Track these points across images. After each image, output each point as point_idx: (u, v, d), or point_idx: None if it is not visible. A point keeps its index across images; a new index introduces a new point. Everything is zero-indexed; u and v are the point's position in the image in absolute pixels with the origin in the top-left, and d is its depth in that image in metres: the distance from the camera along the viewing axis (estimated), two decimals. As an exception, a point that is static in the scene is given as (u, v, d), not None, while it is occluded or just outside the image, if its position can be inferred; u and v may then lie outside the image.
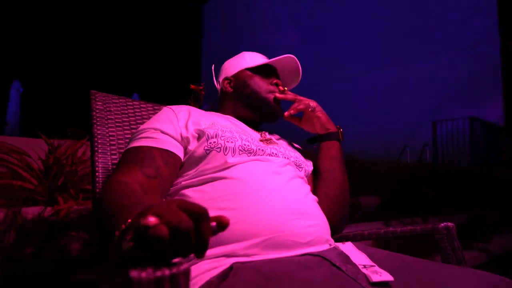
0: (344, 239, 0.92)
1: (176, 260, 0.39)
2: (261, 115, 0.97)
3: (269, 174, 0.77)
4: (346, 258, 0.66)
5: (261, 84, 0.96)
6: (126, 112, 1.12)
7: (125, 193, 0.61)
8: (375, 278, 0.58)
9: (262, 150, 0.82)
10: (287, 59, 0.98)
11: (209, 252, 0.65)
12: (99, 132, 1.00)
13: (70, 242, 1.73)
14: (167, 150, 0.77)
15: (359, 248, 0.73)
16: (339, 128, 0.99)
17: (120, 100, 1.12)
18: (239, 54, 1.05)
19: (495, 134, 8.05)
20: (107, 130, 1.03)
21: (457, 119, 7.72)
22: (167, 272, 0.36)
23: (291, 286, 0.54)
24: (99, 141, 0.98)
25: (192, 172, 0.77)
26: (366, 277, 0.59)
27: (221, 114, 0.96)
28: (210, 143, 0.78)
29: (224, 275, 0.59)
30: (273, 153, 0.84)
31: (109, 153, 0.99)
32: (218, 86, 1.06)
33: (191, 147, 0.79)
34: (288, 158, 0.86)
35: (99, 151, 0.97)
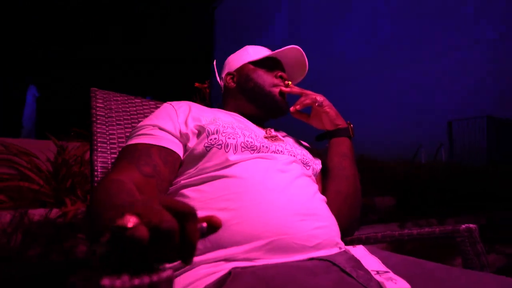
0: (356, 242, 0.86)
1: (161, 266, 0.35)
2: (266, 110, 0.92)
3: (273, 172, 0.71)
4: (357, 263, 0.60)
5: (265, 78, 0.92)
6: (128, 110, 1.08)
7: (118, 192, 0.57)
8: (390, 286, 0.52)
9: (267, 147, 0.77)
10: (292, 51, 0.93)
11: (208, 256, 0.60)
12: (98, 130, 0.97)
13: (77, 244, 1.71)
14: (165, 148, 0.73)
15: (371, 252, 0.67)
16: (349, 124, 0.93)
17: (121, 98, 1.09)
18: (242, 48, 1.01)
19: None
20: (107, 128, 0.99)
21: (474, 118, 7.49)
22: (146, 279, 0.32)
23: None
24: (98, 140, 0.95)
25: (191, 170, 0.72)
26: (379, 285, 0.53)
27: (225, 111, 0.91)
28: (211, 139, 0.73)
29: (222, 282, 0.54)
30: (278, 150, 0.79)
31: (109, 152, 0.96)
32: (221, 83, 1.02)
33: (190, 144, 0.75)
34: (294, 156, 0.81)
35: (98, 149, 0.94)
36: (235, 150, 0.72)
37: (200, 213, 0.38)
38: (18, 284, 1.44)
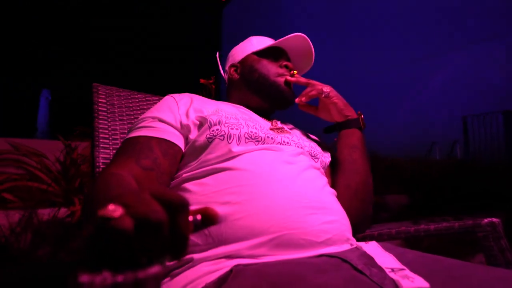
0: (368, 238, 0.81)
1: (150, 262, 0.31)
2: (271, 101, 0.88)
3: (279, 163, 0.67)
4: (370, 260, 0.56)
5: (269, 68, 0.88)
6: (131, 105, 1.06)
7: (115, 184, 0.54)
8: (406, 284, 0.48)
9: (272, 138, 0.73)
10: (298, 40, 0.89)
11: (210, 253, 0.57)
12: (100, 126, 0.95)
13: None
14: (165, 140, 0.70)
15: (385, 248, 0.62)
16: (360, 114, 0.89)
17: (124, 93, 1.06)
18: (246, 40, 0.97)
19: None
20: (109, 124, 0.97)
21: (490, 113, 7.29)
22: (130, 276, 0.28)
23: None
24: (100, 135, 0.93)
25: (193, 163, 0.69)
26: (394, 283, 0.49)
27: (229, 103, 0.88)
28: (213, 130, 0.70)
29: (223, 280, 0.50)
30: (284, 141, 0.75)
31: (111, 148, 0.93)
32: (225, 76, 0.98)
33: (192, 136, 0.71)
34: (302, 148, 0.77)
35: (100, 145, 0.92)
36: (238, 141, 0.69)
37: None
38: (29, 284, 1.43)
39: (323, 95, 0.87)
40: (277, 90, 0.87)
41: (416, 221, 2.77)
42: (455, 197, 3.43)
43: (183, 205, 0.31)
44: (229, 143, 0.68)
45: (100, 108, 0.98)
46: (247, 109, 0.85)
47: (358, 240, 0.70)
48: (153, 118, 0.73)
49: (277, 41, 0.90)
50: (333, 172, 0.85)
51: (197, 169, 0.68)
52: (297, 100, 0.89)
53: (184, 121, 0.72)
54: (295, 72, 0.89)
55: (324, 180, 0.74)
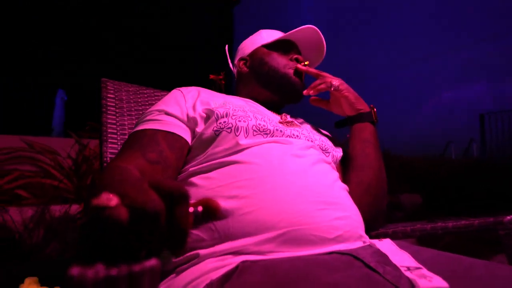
0: (382, 236, 0.78)
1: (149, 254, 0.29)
2: (281, 94, 0.86)
3: (289, 157, 0.65)
4: (384, 258, 0.53)
5: (279, 60, 0.86)
6: (139, 100, 1.05)
7: (118, 177, 0.52)
8: (423, 284, 0.45)
9: (281, 131, 0.71)
10: (308, 33, 0.87)
11: (216, 248, 0.55)
12: (108, 121, 0.94)
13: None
14: (172, 133, 0.68)
15: (400, 246, 0.59)
16: (372, 108, 0.85)
17: (133, 88, 1.06)
18: (256, 33, 0.95)
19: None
20: (117, 119, 0.96)
21: (509, 111, 7.07)
22: (124, 269, 0.27)
23: None
24: (108, 130, 0.92)
25: (200, 157, 0.67)
26: (410, 282, 0.46)
27: (237, 96, 0.86)
28: (220, 123, 0.68)
29: (228, 276, 0.48)
30: (294, 134, 0.72)
31: (119, 143, 0.93)
32: (234, 69, 0.96)
33: (199, 129, 0.70)
34: (312, 141, 0.74)
35: (108, 140, 0.91)
36: (246, 133, 0.67)
37: None
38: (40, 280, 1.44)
39: (332, 88, 0.84)
40: (288, 81, 0.84)
41: (432, 221, 2.70)
42: (470, 197, 3.34)
43: (183, 195, 0.29)
44: (237, 136, 0.66)
45: (108, 103, 0.97)
46: (255, 103, 0.83)
47: (371, 237, 0.67)
48: (160, 111, 0.71)
49: (287, 33, 0.88)
50: (345, 168, 0.82)
51: (204, 162, 0.66)
52: (305, 92, 0.86)
53: (191, 114, 0.70)
54: (307, 62, 0.87)
55: (335, 175, 0.71)
